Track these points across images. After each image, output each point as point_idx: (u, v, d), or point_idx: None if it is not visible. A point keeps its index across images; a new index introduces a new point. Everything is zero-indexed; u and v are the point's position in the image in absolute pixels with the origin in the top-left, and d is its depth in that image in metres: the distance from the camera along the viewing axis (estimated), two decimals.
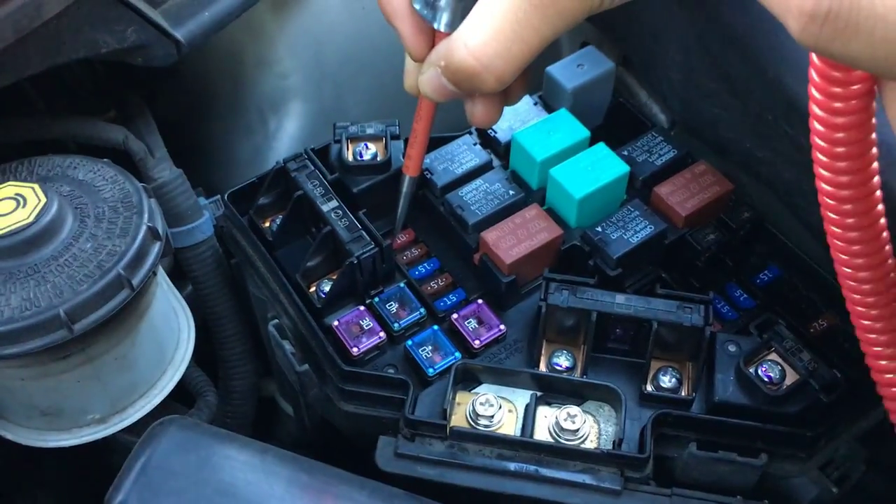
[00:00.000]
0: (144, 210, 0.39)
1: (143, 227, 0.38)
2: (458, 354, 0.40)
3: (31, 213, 0.36)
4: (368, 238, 0.41)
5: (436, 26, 0.35)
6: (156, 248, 0.38)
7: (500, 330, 0.41)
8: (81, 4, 0.37)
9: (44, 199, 0.37)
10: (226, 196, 0.45)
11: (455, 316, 0.41)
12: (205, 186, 0.52)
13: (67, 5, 0.36)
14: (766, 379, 0.38)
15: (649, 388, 0.40)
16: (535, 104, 0.47)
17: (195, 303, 0.49)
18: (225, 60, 0.56)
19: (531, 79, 0.39)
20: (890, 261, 0.30)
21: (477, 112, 0.38)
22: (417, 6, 0.35)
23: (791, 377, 0.38)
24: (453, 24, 0.34)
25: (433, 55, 0.35)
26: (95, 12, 0.38)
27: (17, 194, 0.37)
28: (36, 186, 0.37)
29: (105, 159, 0.41)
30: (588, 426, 0.38)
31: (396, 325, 0.41)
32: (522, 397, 0.39)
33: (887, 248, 0.30)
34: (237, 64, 0.56)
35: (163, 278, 0.44)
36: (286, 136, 0.57)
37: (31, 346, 0.35)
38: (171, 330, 0.43)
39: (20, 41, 0.35)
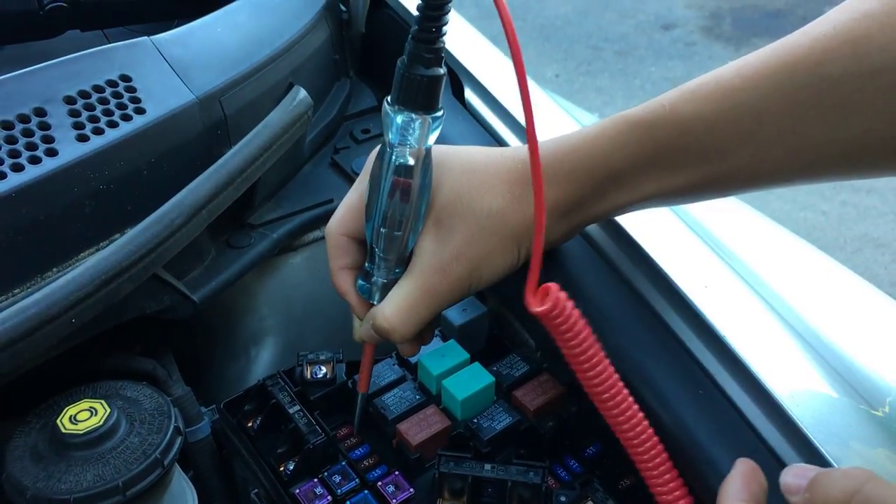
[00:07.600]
0: (171, 415, 0.58)
1: (171, 426, 0.57)
2: None
3: (101, 419, 0.56)
4: (320, 430, 0.61)
5: (370, 301, 0.57)
6: (179, 440, 0.58)
7: (409, 492, 0.59)
8: (140, 285, 0.59)
9: (108, 410, 0.56)
10: (221, 405, 0.65)
11: (379, 483, 0.60)
12: (204, 397, 0.72)
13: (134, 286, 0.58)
14: None
15: None
16: (435, 336, 0.69)
17: (195, 483, 0.67)
18: (221, 309, 0.76)
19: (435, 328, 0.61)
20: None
21: (404, 350, 0.60)
22: (358, 287, 0.58)
23: None
24: (380, 300, 0.57)
25: (368, 317, 0.57)
26: (148, 288, 0.60)
27: (90, 407, 0.57)
28: (103, 401, 0.57)
29: (144, 382, 0.61)
30: None
31: (339, 491, 0.59)
32: None
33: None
34: (229, 311, 0.76)
35: (175, 465, 0.63)
36: (262, 361, 0.77)
37: None
38: (183, 499, 0.61)
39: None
